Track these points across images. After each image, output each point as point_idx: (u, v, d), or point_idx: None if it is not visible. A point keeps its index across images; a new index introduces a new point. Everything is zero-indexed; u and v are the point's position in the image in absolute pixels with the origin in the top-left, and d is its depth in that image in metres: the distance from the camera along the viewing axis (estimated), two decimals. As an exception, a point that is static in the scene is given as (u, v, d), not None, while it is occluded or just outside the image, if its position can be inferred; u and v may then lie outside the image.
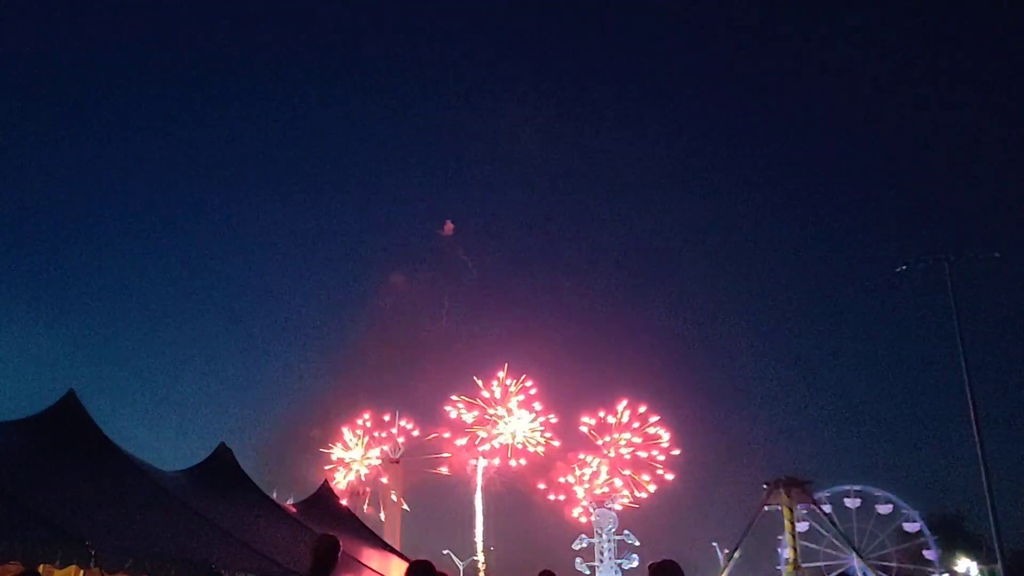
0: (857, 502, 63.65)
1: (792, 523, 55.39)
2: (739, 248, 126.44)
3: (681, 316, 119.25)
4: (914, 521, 63.25)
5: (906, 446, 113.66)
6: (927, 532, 62.98)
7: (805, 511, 59.15)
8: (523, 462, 74.93)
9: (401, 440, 76.59)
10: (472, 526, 74.79)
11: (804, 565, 58.71)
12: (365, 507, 71.11)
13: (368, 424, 77.02)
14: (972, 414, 28.44)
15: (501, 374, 76.35)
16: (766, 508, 57.11)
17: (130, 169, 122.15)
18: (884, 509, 63.28)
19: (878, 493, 63.82)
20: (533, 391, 75.87)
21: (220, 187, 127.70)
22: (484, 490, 75.91)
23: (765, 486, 57.53)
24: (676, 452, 71.59)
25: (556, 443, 75.74)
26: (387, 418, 76.65)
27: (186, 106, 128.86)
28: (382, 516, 72.70)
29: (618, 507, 69.76)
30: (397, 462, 75.20)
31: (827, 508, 61.73)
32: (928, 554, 62.44)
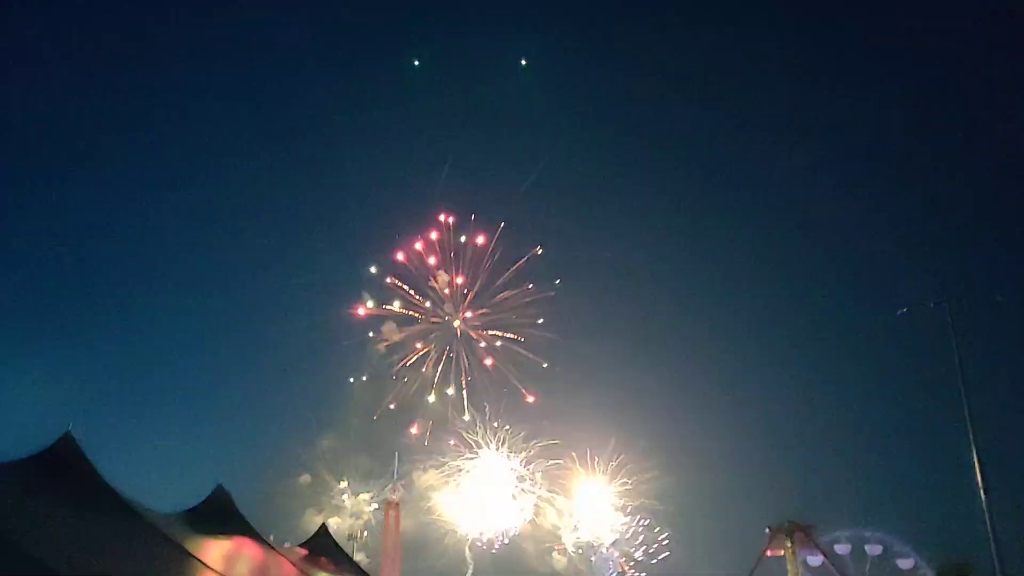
0: (847, 548, 62.75)
1: (796, 569, 54.73)
2: (739, 289, 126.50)
3: (682, 356, 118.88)
4: (907, 557, 62.43)
5: (910, 491, 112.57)
6: (921, 563, 62.04)
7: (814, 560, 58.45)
8: None
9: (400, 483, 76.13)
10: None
11: None
12: (356, 554, 70.40)
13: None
14: (975, 457, 28.27)
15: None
16: (769, 554, 56.39)
17: (128, 207, 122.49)
18: (875, 551, 62.42)
19: (867, 533, 62.90)
20: None
21: (218, 229, 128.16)
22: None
23: (768, 531, 56.85)
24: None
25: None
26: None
27: (188, 147, 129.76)
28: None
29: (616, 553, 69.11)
30: (396, 504, 74.52)
31: (818, 560, 60.72)
32: None
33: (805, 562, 58.45)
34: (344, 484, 77.40)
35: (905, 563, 62.26)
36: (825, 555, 58.91)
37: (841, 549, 62.58)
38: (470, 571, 72.94)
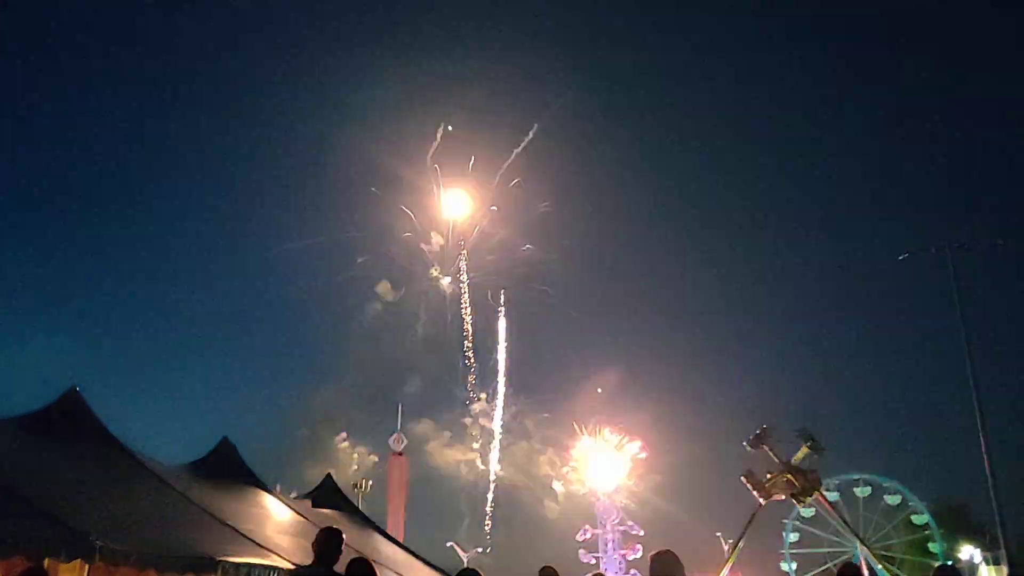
0: (868, 490, 64.13)
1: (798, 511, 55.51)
2: (740, 236, 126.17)
3: (681, 306, 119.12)
4: (922, 513, 63.78)
5: (909, 434, 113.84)
6: (934, 526, 63.47)
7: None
8: None
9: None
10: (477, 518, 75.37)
11: (807, 551, 59.03)
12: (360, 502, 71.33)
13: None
14: (975, 401, 28.46)
15: None
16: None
17: (132, 163, 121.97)
18: (893, 500, 63.78)
19: (887, 483, 64.28)
20: None
21: (222, 182, 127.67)
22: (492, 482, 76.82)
23: (768, 475, 57.43)
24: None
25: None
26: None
27: (190, 104, 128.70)
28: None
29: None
30: (400, 455, 75.31)
31: (834, 496, 61.98)
32: (934, 547, 62.87)
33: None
34: (344, 435, 78.26)
35: (893, 499, 63.53)
36: (824, 498, 59.67)
37: (859, 492, 63.70)
38: (465, 523, 74.03)
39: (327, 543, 7.06)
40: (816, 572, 58.98)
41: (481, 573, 6.82)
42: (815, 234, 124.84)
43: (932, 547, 63.33)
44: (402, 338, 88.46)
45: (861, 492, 64.48)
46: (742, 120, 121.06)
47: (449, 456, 79.08)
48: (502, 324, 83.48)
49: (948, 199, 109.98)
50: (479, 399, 79.25)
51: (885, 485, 64.45)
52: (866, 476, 64.95)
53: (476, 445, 79.00)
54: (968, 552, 64.12)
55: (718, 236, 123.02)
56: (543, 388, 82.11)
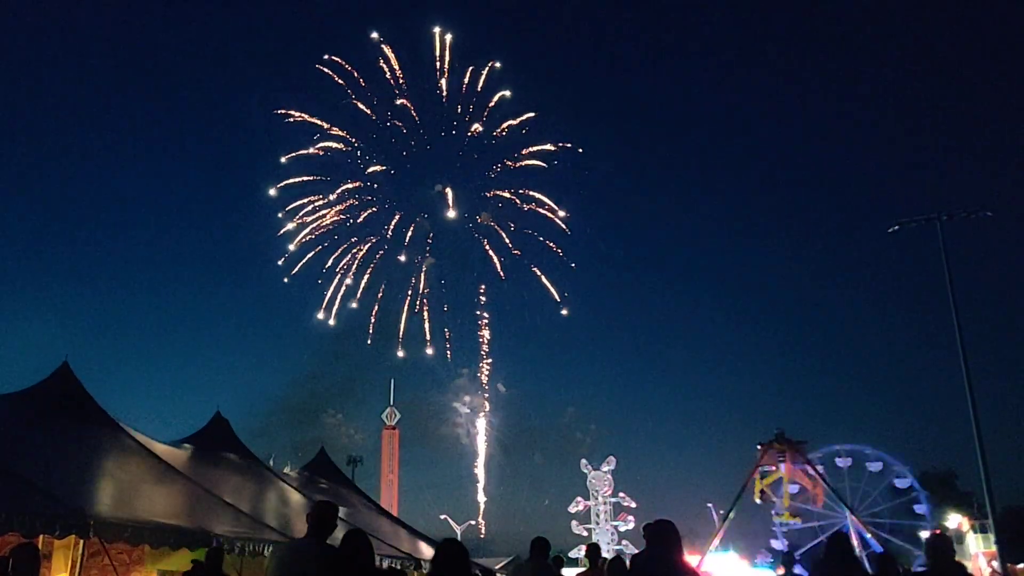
0: (848, 461, 64.74)
1: (785, 484, 55.99)
2: (729, 208, 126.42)
3: (670, 279, 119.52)
4: (904, 477, 64.41)
5: (899, 406, 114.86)
6: (917, 487, 64.15)
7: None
8: None
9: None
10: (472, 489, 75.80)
11: (798, 527, 59.69)
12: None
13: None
14: (964, 374, 28.50)
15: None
16: (760, 469, 57.58)
17: (120, 144, 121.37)
18: (874, 467, 64.42)
19: (868, 451, 64.92)
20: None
21: (214, 163, 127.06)
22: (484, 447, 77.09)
23: (759, 447, 57.96)
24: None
25: None
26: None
27: (175, 92, 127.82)
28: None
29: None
30: (394, 429, 75.57)
31: (819, 469, 62.63)
32: (919, 508, 63.57)
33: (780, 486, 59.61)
34: (335, 411, 78.59)
35: (874, 466, 64.09)
36: (814, 470, 60.24)
37: (841, 462, 64.28)
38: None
39: (321, 516, 7.09)
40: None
41: (462, 543, 6.83)
42: (804, 205, 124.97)
43: (918, 509, 64.06)
44: (391, 318, 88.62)
45: (843, 463, 65.26)
46: (727, 82, 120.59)
47: (439, 431, 79.50)
48: (485, 325, 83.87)
49: (938, 170, 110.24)
50: (462, 375, 79.75)
51: (866, 453, 65.12)
52: (847, 447, 65.61)
53: (462, 419, 79.48)
54: (956, 520, 64.91)
55: (703, 203, 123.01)
56: (525, 367, 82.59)
